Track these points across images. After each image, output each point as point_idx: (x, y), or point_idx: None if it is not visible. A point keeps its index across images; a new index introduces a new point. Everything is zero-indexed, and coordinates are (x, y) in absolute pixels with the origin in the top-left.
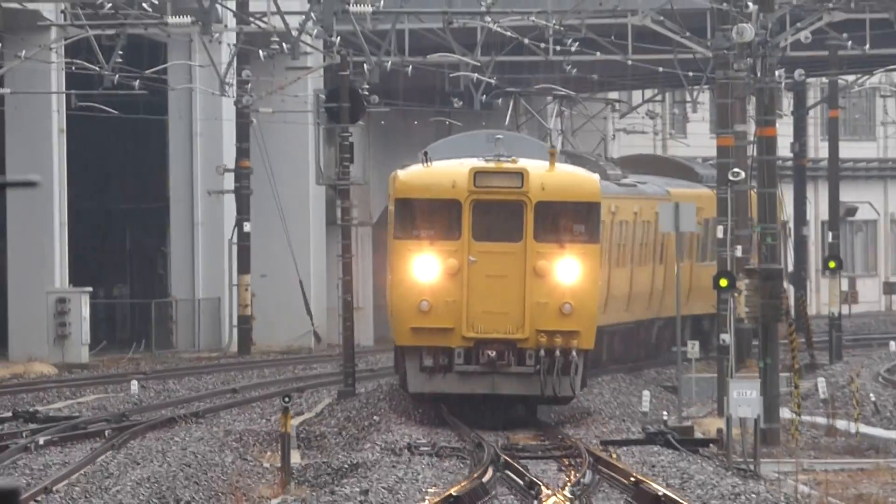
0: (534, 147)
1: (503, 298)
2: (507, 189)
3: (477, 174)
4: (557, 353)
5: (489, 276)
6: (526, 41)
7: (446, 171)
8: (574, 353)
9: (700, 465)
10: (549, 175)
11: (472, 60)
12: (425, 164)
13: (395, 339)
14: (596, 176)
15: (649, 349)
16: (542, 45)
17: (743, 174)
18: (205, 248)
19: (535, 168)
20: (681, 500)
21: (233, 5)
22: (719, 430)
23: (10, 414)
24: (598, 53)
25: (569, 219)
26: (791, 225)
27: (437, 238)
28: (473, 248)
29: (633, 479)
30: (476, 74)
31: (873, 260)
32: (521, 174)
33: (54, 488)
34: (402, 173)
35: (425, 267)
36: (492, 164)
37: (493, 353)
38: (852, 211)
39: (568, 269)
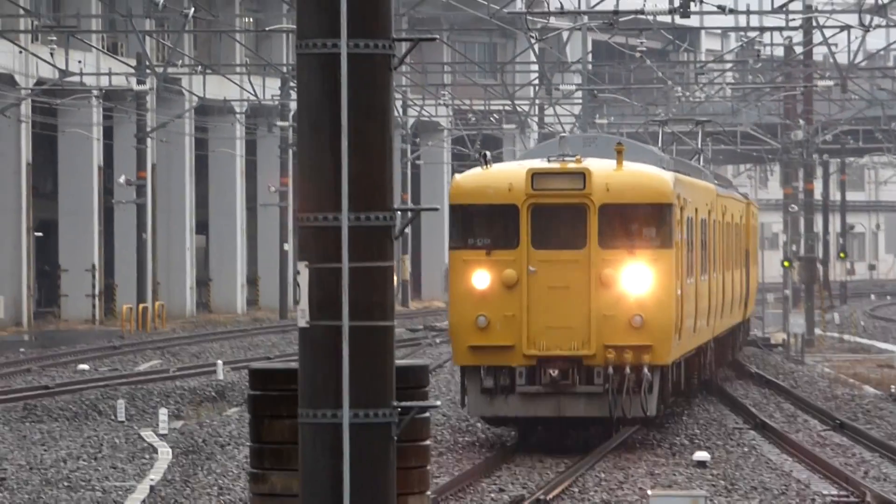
0: (633, 150)
1: (567, 312)
2: (567, 191)
3: (535, 176)
4: (627, 369)
5: (551, 287)
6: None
7: (504, 173)
8: (646, 369)
9: (773, 356)
10: (614, 175)
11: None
12: (484, 167)
13: (453, 358)
14: (669, 175)
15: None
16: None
17: (797, 208)
18: None
19: (600, 168)
20: (763, 373)
21: (536, 119)
22: (784, 339)
23: (421, 326)
24: (722, 146)
25: (638, 222)
26: (820, 234)
27: (494, 247)
28: (533, 256)
29: (735, 363)
30: None
31: (863, 253)
32: (582, 174)
33: (444, 366)
34: (458, 177)
35: (481, 279)
36: (553, 165)
37: (555, 373)
38: (852, 227)
39: (637, 277)
